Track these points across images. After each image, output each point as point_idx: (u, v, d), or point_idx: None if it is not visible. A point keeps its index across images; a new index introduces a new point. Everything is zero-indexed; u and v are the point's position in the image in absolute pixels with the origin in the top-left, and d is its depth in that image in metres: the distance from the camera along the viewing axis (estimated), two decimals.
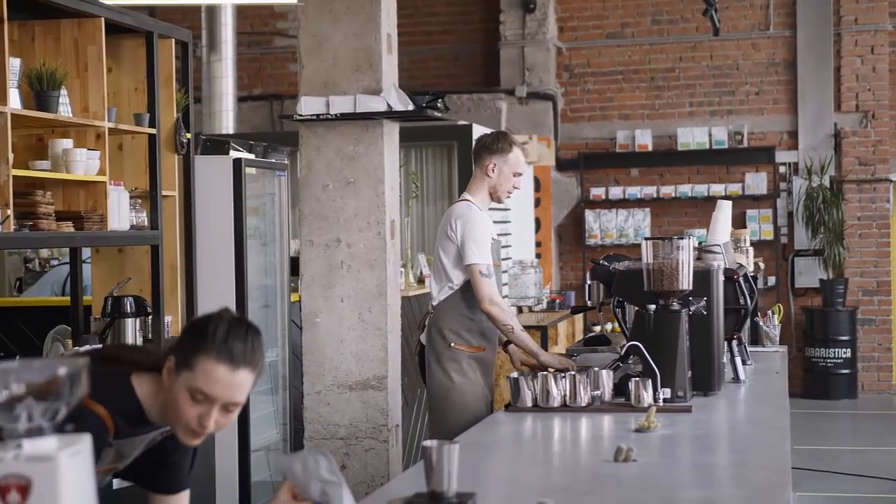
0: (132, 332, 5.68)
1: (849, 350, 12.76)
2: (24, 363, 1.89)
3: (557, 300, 11.29)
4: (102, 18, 5.51)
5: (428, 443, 2.82)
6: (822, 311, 12.86)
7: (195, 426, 2.76)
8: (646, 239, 4.71)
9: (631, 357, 4.62)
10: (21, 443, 1.86)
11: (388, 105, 5.84)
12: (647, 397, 4.39)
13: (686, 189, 13.29)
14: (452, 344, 5.44)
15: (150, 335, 5.91)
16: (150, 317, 5.88)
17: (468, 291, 5.37)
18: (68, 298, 6.16)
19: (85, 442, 1.89)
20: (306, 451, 2.53)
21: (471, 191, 5.55)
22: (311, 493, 2.51)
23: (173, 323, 6.15)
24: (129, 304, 5.71)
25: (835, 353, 12.73)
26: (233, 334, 2.75)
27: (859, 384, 12.96)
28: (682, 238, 4.66)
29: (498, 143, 5.52)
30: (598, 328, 10.79)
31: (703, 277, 4.78)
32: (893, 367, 13.24)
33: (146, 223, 5.90)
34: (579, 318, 11.25)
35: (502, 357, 5.94)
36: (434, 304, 5.54)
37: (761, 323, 6.70)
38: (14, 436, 1.86)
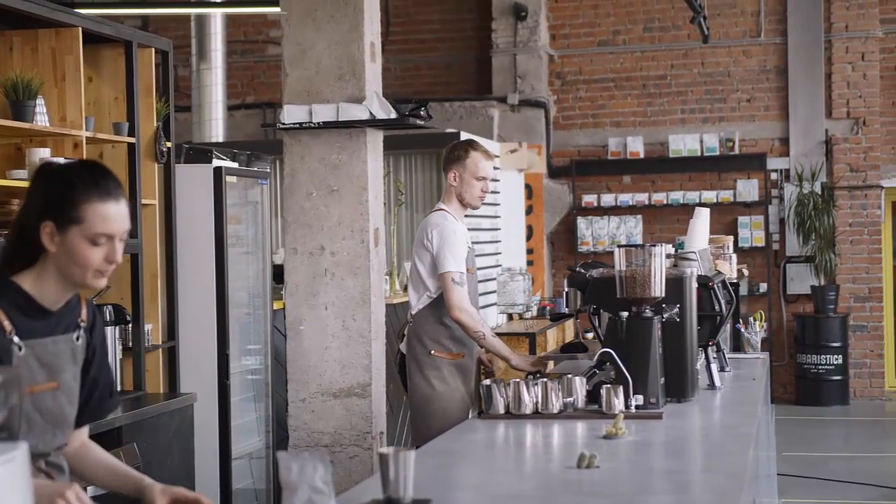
0: (112, 340, 5.68)
1: (840, 356, 12.76)
2: None
3: (548, 307, 11.29)
4: (80, 28, 5.53)
5: (383, 450, 2.86)
6: (813, 318, 12.86)
7: (102, 266, 2.84)
8: (619, 246, 4.73)
9: (606, 364, 4.62)
10: None
11: (371, 113, 5.85)
12: (619, 404, 4.40)
13: (678, 196, 13.29)
14: (432, 352, 5.49)
15: (130, 343, 5.92)
16: (129, 325, 5.90)
17: None
18: None
19: (20, 450, 1.90)
20: (309, 454, 2.53)
21: (444, 201, 5.61)
22: (296, 498, 2.51)
23: (153, 331, 6.16)
24: (108, 313, 5.72)
25: (826, 359, 12.73)
26: (97, 175, 2.85)
27: (851, 390, 12.97)
28: (655, 246, 4.67)
29: (454, 151, 5.59)
30: (590, 335, 10.77)
31: (676, 284, 4.79)
32: (885, 374, 13.26)
33: None
34: (570, 325, 11.25)
35: None
36: (413, 312, 5.58)
37: (742, 330, 6.70)
38: None
